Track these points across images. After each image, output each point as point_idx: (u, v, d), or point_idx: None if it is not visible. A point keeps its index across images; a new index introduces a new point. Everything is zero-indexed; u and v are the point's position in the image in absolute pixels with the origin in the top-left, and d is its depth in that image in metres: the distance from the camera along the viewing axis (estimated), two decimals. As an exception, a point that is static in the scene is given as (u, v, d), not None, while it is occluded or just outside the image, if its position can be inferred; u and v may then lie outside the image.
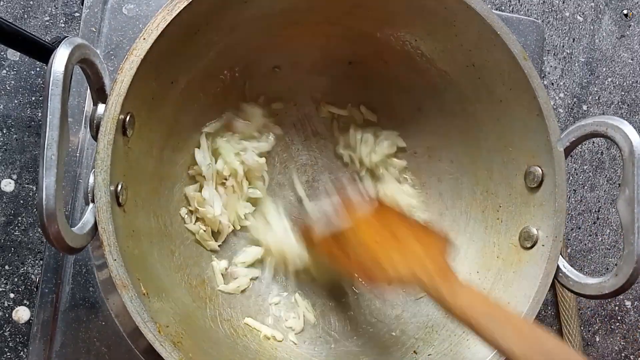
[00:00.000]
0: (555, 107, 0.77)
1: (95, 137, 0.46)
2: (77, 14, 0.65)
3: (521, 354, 0.43)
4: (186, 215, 0.61)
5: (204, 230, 0.61)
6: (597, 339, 0.75)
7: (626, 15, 0.81)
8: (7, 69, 0.63)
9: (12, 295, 0.60)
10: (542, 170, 0.56)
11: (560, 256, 0.55)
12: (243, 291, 0.62)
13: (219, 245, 0.63)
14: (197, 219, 0.62)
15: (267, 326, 0.61)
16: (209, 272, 0.62)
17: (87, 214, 0.45)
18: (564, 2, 0.79)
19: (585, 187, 0.77)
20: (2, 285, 0.60)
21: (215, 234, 0.63)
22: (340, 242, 0.58)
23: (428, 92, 0.65)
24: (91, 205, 0.45)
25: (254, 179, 0.65)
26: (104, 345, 0.57)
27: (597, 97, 0.79)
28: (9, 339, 0.59)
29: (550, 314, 0.73)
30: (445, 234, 0.59)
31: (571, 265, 0.56)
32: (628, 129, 0.52)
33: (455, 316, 0.48)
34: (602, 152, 0.78)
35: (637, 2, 0.81)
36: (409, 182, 0.69)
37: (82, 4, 0.61)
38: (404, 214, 0.63)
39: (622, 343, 0.76)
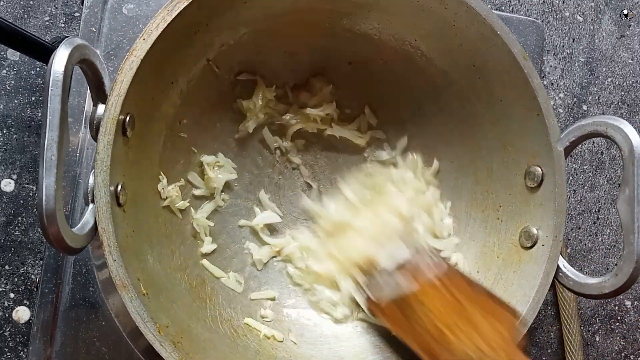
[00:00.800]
0: (555, 107, 0.77)
1: (95, 137, 0.46)
2: (77, 14, 0.65)
3: None
4: (162, 190, 0.59)
5: (176, 195, 0.60)
6: (597, 339, 0.75)
7: (626, 15, 0.81)
8: (7, 69, 0.63)
9: (12, 295, 0.60)
10: (542, 170, 0.56)
11: (560, 256, 0.55)
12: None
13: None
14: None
15: (267, 326, 0.61)
16: (208, 272, 0.62)
17: (87, 215, 0.45)
18: (564, 2, 0.79)
19: (585, 187, 0.77)
20: (2, 285, 0.60)
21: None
22: (405, 309, 0.54)
23: (428, 92, 0.65)
24: (91, 205, 0.45)
25: None
26: (104, 345, 0.57)
27: (597, 97, 0.79)
28: (9, 339, 0.59)
29: (550, 314, 0.73)
30: (512, 306, 0.54)
31: (571, 265, 0.56)
32: (628, 129, 0.52)
33: None
34: (602, 152, 0.78)
35: (637, 2, 0.81)
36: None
37: (82, 4, 0.61)
38: (471, 280, 0.58)
39: (622, 343, 0.76)
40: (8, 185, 0.61)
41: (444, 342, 0.50)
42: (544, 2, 0.79)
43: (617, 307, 0.76)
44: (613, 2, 0.81)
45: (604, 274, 0.53)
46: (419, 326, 0.52)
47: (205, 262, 0.62)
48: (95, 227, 0.45)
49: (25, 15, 0.64)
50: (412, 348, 0.53)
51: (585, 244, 0.76)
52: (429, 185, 0.67)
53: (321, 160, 0.68)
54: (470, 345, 0.49)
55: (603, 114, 0.79)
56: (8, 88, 0.62)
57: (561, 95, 0.78)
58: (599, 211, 0.77)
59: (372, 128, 0.69)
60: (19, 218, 0.61)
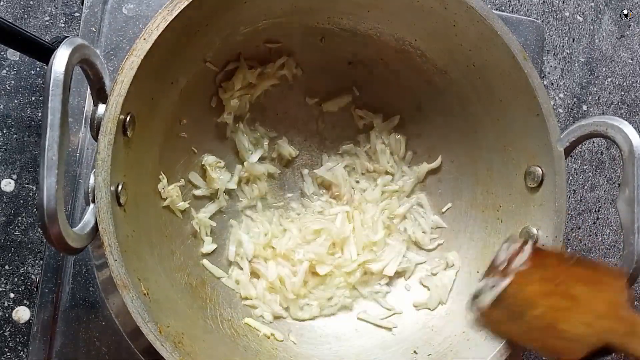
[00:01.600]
0: (555, 107, 0.77)
1: (95, 137, 0.46)
2: (77, 14, 0.65)
3: None
4: (163, 190, 0.59)
5: (177, 195, 0.60)
6: (597, 339, 0.75)
7: (626, 15, 0.81)
8: (7, 69, 0.63)
9: (12, 295, 0.60)
10: (542, 170, 0.56)
11: (560, 256, 0.55)
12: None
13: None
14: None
15: (267, 326, 0.61)
16: (208, 272, 0.62)
17: (87, 215, 0.45)
18: (564, 2, 0.79)
19: (585, 187, 0.77)
20: (2, 285, 0.60)
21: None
22: (504, 308, 0.51)
23: (428, 92, 0.65)
24: (92, 205, 0.45)
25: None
26: (104, 345, 0.57)
27: (597, 97, 0.79)
28: (9, 339, 0.59)
29: (550, 313, 0.73)
30: (617, 269, 0.51)
31: (571, 265, 0.56)
32: (628, 129, 0.52)
33: None
34: (602, 152, 0.78)
35: (637, 2, 0.81)
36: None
37: (82, 4, 0.61)
38: (562, 254, 0.55)
39: (622, 343, 0.76)
40: (8, 185, 0.61)
41: (557, 329, 0.48)
42: (544, 2, 0.79)
43: (617, 307, 0.76)
44: (613, 2, 0.81)
45: (604, 274, 0.53)
46: (523, 321, 0.50)
47: (205, 262, 0.62)
48: (96, 227, 0.45)
49: (25, 15, 0.64)
50: (529, 346, 0.52)
51: (585, 244, 0.76)
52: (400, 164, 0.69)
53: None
54: (585, 327, 0.47)
55: (603, 114, 0.79)
56: (8, 88, 0.62)
57: (561, 95, 0.78)
58: (599, 211, 0.77)
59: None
60: (19, 218, 0.61)
